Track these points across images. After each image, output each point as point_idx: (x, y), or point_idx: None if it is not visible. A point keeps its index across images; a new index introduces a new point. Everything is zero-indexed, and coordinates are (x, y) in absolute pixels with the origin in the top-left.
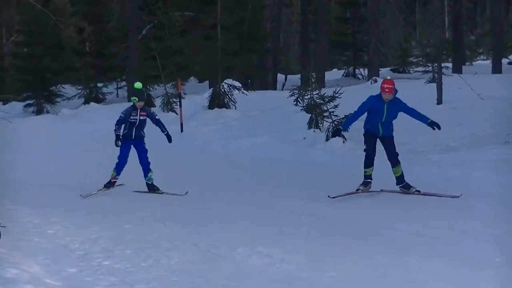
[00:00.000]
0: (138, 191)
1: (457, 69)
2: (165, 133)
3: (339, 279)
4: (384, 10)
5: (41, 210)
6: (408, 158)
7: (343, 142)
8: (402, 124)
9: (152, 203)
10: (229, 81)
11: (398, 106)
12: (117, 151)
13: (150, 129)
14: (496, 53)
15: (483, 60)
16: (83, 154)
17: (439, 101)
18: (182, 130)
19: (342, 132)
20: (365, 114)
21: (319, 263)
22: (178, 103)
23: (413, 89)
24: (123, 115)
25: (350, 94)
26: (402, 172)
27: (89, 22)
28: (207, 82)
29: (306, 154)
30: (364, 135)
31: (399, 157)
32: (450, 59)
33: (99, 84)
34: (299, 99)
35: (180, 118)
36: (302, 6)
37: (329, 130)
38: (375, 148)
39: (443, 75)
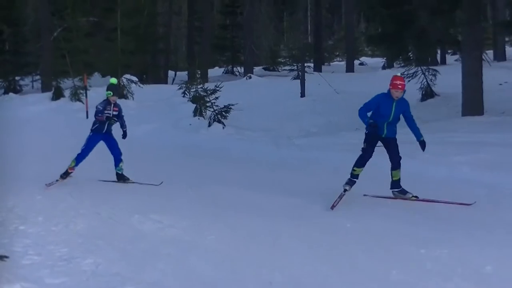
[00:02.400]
0: (105, 181)
1: (317, 68)
2: (124, 129)
3: (217, 241)
4: (258, 19)
5: None
6: (277, 142)
7: (223, 128)
8: (271, 112)
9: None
10: (128, 76)
11: (403, 105)
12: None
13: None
14: (349, 56)
15: (339, 61)
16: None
17: (303, 95)
18: (87, 117)
19: (369, 123)
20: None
21: (200, 228)
22: (84, 94)
23: (281, 84)
24: (101, 107)
25: (229, 88)
26: (400, 177)
27: (8, 25)
28: (108, 76)
29: (192, 138)
30: (366, 134)
31: (401, 161)
32: (311, 60)
33: (17, 78)
34: (186, 92)
35: (86, 106)
36: (189, 14)
37: (211, 118)
38: (374, 151)
39: (306, 73)
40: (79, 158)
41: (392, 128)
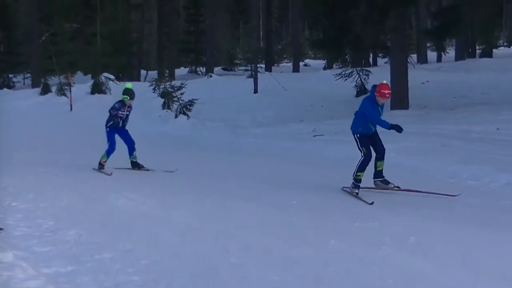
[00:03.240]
0: (123, 168)
1: (268, 69)
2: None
3: (181, 215)
4: (217, 26)
5: None
6: (234, 131)
7: (187, 119)
8: (228, 106)
9: (49, 165)
10: (106, 74)
11: (382, 107)
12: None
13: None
14: (295, 58)
15: (287, 63)
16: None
17: (255, 91)
18: (71, 110)
19: (394, 126)
20: (355, 117)
21: (167, 205)
22: (69, 90)
23: (238, 82)
24: (116, 105)
25: (192, 85)
26: (383, 168)
27: (2, 29)
28: (90, 75)
29: (161, 128)
30: (359, 138)
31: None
32: (263, 62)
33: (10, 75)
34: (156, 88)
35: (70, 100)
36: (159, 22)
37: (177, 110)
38: (371, 151)
39: (258, 73)
40: (109, 152)
41: (374, 124)
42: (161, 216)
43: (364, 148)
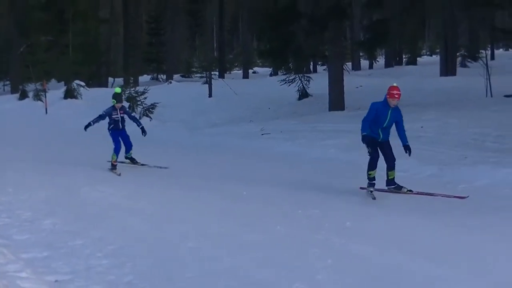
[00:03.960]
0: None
1: (221, 76)
2: (140, 126)
3: (148, 205)
4: (176, 38)
5: None
6: (192, 132)
7: (150, 120)
8: (186, 109)
9: (27, 162)
10: (77, 81)
11: (397, 113)
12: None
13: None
14: (245, 66)
15: (237, 70)
16: None
17: (210, 95)
18: (46, 112)
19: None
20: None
21: (135, 196)
22: (44, 95)
23: (194, 88)
24: (104, 113)
25: (154, 91)
26: (395, 176)
27: None
28: (63, 82)
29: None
30: (364, 139)
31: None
32: (217, 69)
33: None
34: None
35: (45, 104)
36: (125, 34)
37: (141, 112)
38: (378, 151)
39: (212, 79)
40: (116, 151)
41: (386, 132)
42: (128, 206)
43: (369, 148)
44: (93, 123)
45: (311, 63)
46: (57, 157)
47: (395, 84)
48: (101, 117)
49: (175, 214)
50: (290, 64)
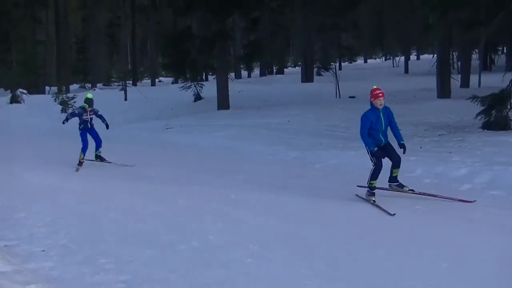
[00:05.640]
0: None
1: (134, 84)
2: (105, 122)
3: (77, 184)
4: (98, 54)
5: None
6: (112, 128)
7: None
8: (108, 109)
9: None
10: (20, 90)
11: (388, 113)
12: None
13: None
14: (153, 76)
15: (147, 79)
16: None
17: (125, 99)
18: None
19: (370, 149)
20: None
21: (65, 177)
22: None
23: (113, 94)
24: (76, 112)
25: (81, 96)
26: (398, 174)
27: None
28: (9, 90)
29: (60, 125)
30: (374, 154)
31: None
32: (131, 79)
33: None
34: (56, 99)
35: None
36: (58, 52)
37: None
38: (382, 161)
39: (127, 87)
40: (83, 150)
41: (386, 135)
42: (61, 186)
43: (374, 158)
44: (70, 118)
45: (203, 74)
46: (5, 149)
47: (375, 86)
48: (73, 114)
49: (99, 191)
50: (187, 75)
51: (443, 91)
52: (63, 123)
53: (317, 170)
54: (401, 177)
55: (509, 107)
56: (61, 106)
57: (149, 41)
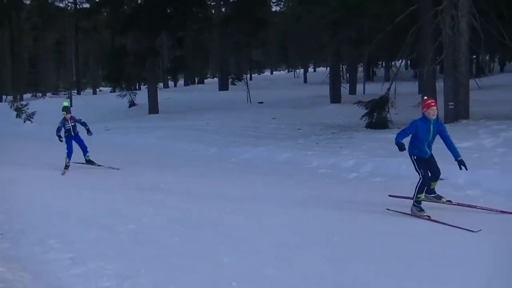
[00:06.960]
0: (79, 163)
1: (79, 93)
2: (86, 128)
3: (33, 178)
4: (48, 68)
5: None
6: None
7: (31, 123)
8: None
9: None
10: None
11: (439, 126)
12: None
13: None
14: (94, 86)
15: (89, 89)
16: None
17: (71, 106)
18: None
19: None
20: (410, 139)
21: (24, 173)
22: None
23: (60, 101)
24: (60, 125)
25: (33, 104)
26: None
27: None
28: None
29: (16, 128)
30: (416, 161)
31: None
32: (76, 89)
33: None
34: (12, 106)
35: None
36: (12, 66)
37: (25, 118)
38: (428, 172)
39: (72, 95)
40: (69, 155)
41: (431, 147)
42: (18, 179)
43: (421, 170)
44: (59, 133)
45: (137, 84)
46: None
47: (425, 97)
48: (58, 129)
49: (49, 183)
50: (123, 85)
51: (335, 97)
52: (60, 141)
53: (232, 163)
54: (301, 169)
55: (387, 110)
56: (16, 112)
57: (91, 56)
